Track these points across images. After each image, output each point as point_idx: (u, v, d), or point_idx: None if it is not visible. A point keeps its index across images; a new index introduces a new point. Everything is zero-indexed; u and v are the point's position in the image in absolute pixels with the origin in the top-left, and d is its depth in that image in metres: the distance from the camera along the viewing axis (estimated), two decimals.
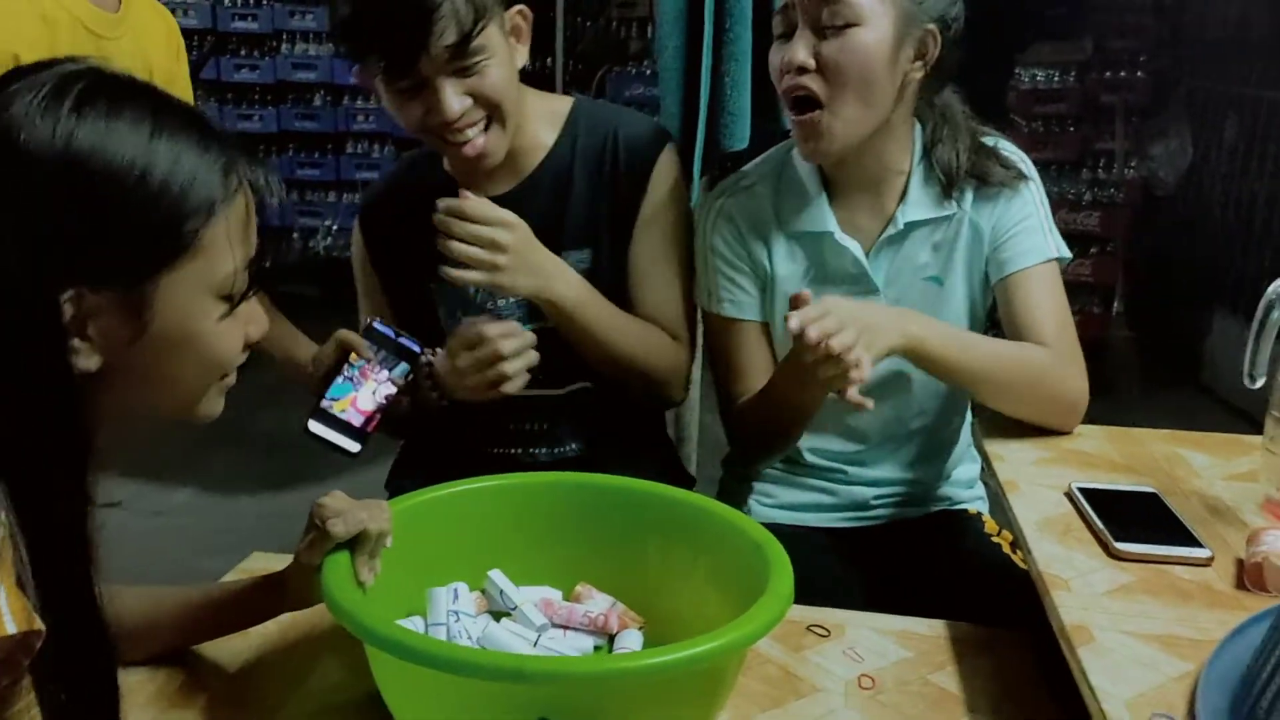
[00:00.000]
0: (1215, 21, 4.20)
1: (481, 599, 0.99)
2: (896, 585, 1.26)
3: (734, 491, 1.41)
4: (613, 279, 1.31)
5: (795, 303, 1.10)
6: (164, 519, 2.79)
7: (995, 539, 1.34)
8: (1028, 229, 1.27)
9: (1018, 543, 1.09)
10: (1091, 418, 1.29)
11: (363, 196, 1.46)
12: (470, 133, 1.20)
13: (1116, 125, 4.37)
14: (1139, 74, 4.35)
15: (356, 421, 1.16)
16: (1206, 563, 0.97)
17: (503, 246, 1.17)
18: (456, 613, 0.94)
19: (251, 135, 4.54)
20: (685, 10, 1.65)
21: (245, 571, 1.09)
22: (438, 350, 1.27)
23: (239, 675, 0.96)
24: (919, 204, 1.27)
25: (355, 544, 0.88)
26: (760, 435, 1.33)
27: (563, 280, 1.24)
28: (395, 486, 1.43)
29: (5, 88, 0.69)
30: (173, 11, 1.55)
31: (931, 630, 1.04)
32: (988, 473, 1.25)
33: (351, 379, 1.18)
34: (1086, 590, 0.93)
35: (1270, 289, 1.02)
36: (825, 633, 1.03)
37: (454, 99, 1.17)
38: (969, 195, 1.28)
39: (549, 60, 4.32)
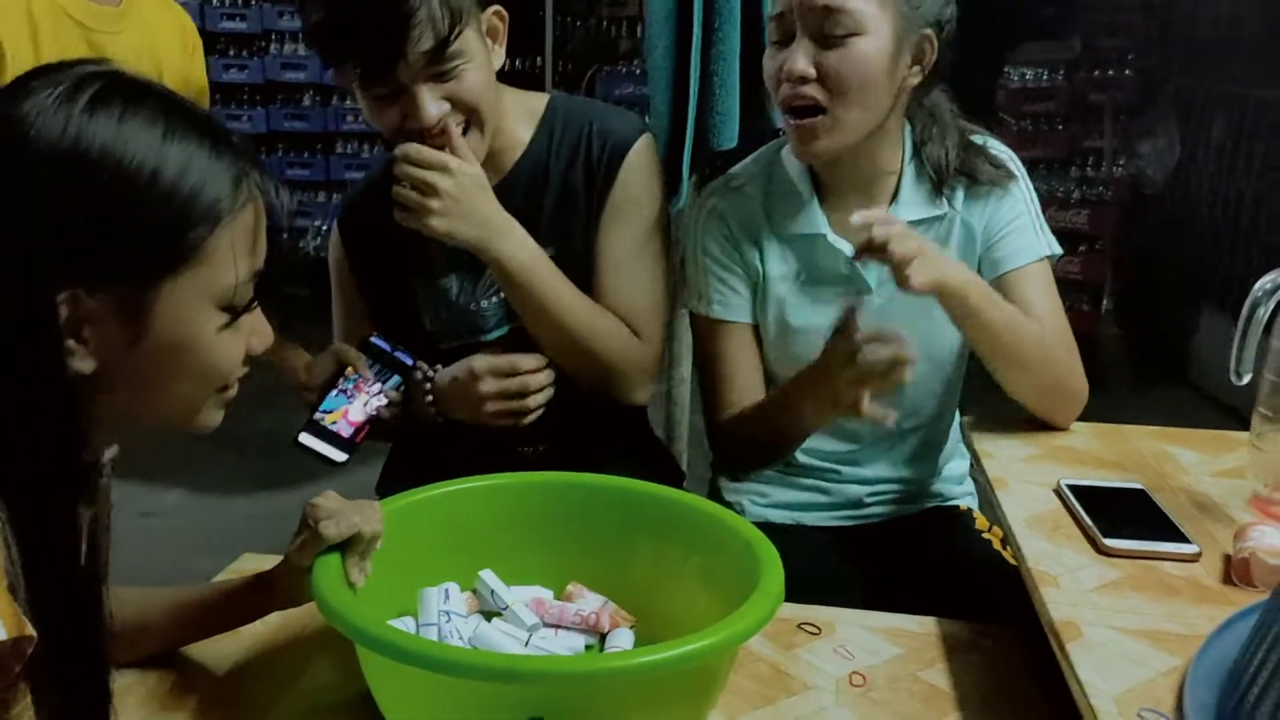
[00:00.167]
0: (1203, 20, 4.22)
1: (473, 599, 0.99)
2: (890, 583, 1.27)
3: (726, 490, 1.41)
4: (583, 274, 1.29)
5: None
6: (156, 520, 2.78)
7: (986, 535, 1.35)
8: (1019, 228, 1.27)
9: (1008, 539, 1.09)
10: (1081, 415, 1.30)
11: (342, 199, 1.45)
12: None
13: (1105, 124, 4.39)
14: (1127, 72, 4.37)
15: (346, 433, 1.18)
16: (1194, 558, 0.97)
17: (437, 190, 1.16)
18: (448, 613, 0.94)
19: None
20: (674, 10, 1.66)
21: (236, 572, 1.08)
22: (436, 367, 1.28)
23: (230, 676, 0.96)
24: (911, 204, 1.27)
25: (346, 545, 0.88)
26: (751, 448, 1.33)
27: (511, 239, 1.21)
28: (387, 488, 1.43)
29: (25, 85, 0.68)
30: None
31: (922, 627, 1.04)
32: (977, 469, 1.25)
33: (345, 391, 1.20)
34: (1075, 586, 0.93)
35: (1256, 286, 1.02)
36: (816, 630, 1.04)
37: (432, 105, 1.16)
38: (960, 194, 1.28)
39: (539, 60, 4.33)
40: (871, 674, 0.97)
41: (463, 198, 1.17)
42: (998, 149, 1.30)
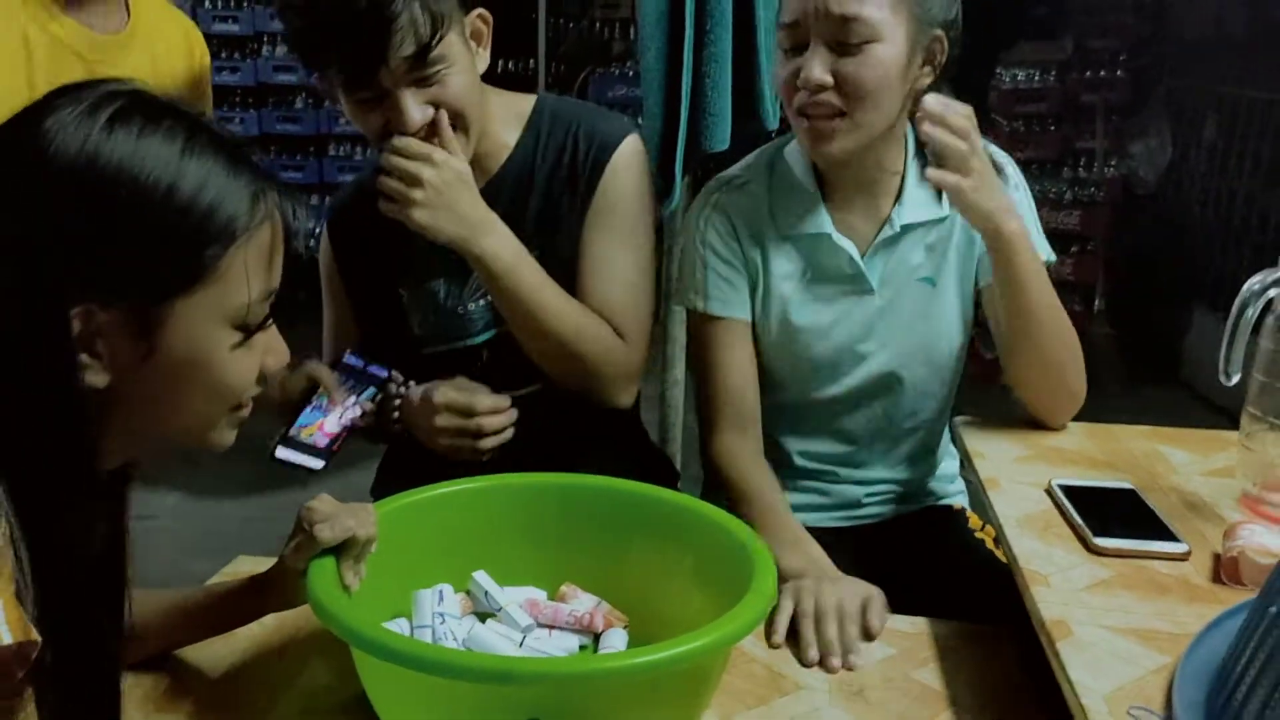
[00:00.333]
0: (1194, 21, 4.24)
1: (467, 600, 1.00)
2: (885, 583, 1.27)
3: (720, 490, 1.42)
4: (568, 275, 1.29)
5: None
6: (151, 523, 2.78)
7: (979, 534, 1.35)
8: None
9: (1000, 539, 1.10)
10: None
11: (330, 202, 1.45)
12: (434, 141, 1.19)
13: (1097, 124, 4.41)
14: (1119, 73, 4.38)
15: (322, 443, 1.19)
16: (1184, 557, 0.98)
17: (420, 181, 1.15)
18: (442, 614, 0.94)
19: None
20: (666, 13, 1.66)
21: (231, 575, 1.08)
22: (410, 382, 1.28)
23: (226, 679, 0.96)
24: (914, 205, 1.28)
25: (341, 548, 0.88)
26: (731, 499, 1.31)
27: (494, 236, 1.21)
28: (381, 490, 1.43)
29: (49, 103, 0.69)
30: None
31: (914, 627, 1.04)
32: (969, 469, 1.26)
33: (320, 407, 1.20)
34: (1066, 586, 0.94)
35: (1244, 287, 1.03)
36: None
37: (415, 109, 1.16)
38: None
39: (531, 62, 4.33)
40: (865, 674, 0.97)
41: (446, 190, 1.17)
42: (996, 153, 1.31)
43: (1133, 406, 2.83)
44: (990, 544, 1.32)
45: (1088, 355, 1.26)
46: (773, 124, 1.83)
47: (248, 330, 0.74)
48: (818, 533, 1.36)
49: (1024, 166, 1.18)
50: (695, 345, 1.36)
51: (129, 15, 1.32)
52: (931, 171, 1.14)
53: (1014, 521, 1.06)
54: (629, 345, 1.31)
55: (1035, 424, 1.30)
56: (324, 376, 1.20)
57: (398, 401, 1.28)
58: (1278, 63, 3.70)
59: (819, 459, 1.37)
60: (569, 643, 0.96)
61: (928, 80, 1.22)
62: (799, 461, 1.37)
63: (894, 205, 1.28)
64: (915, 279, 1.30)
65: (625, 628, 0.98)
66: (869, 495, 1.39)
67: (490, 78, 1.28)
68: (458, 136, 1.21)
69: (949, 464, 1.44)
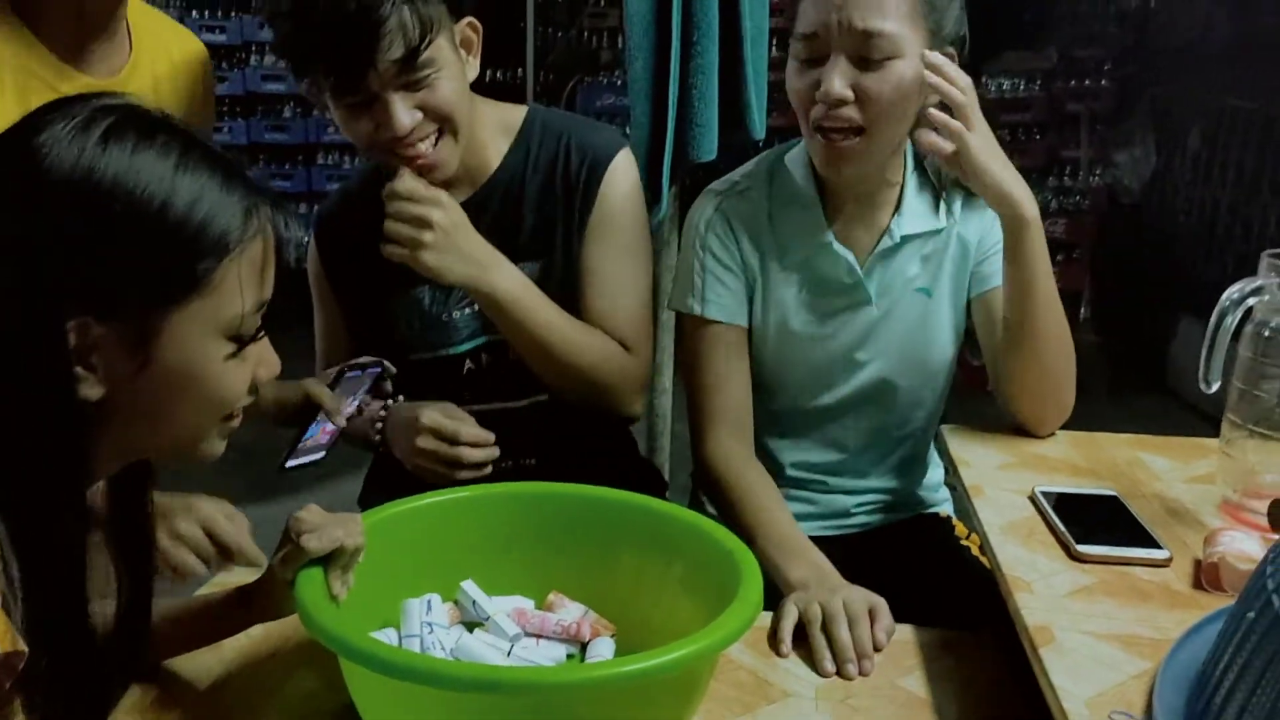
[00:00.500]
0: (1178, 30, 4.28)
1: (455, 610, 1.00)
2: (875, 591, 1.28)
3: (708, 501, 1.42)
4: (565, 289, 1.30)
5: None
6: None
7: (965, 542, 1.36)
8: None
9: (984, 546, 1.11)
10: None
11: (318, 210, 1.45)
12: (421, 146, 1.19)
13: (1082, 133, 4.44)
14: (1103, 82, 4.42)
15: (325, 440, 1.21)
16: (1165, 563, 0.99)
17: (429, 223, 1.16)
18: (430, 624, 0.94)
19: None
20: (653, 24, 1.67)
21: (219, 584, 1.09)
22: (399, 397, 1.29)
23: (213, 689, 0.96)
24: (914, 216, 1.29)
25: (329, 558, 0.88)
26: (720, 511, 1.31)
27: (499, 272, 1.22)
28: (368, 500, 1.43)
29: (41, 117, 0.69)
30: None
31: (900, 635, 1.05)
32: (954, 476, 1.26)
33: (322, 422, 1.21)
34: (1049, 592, 0.95)
35: (1224, 296, 1.04)
36: None
37: (404, 113, 1.16)
38: (958, 205, 1.30)
39: (520, 71, 4.34)
40: (851, 682, 0.97)
41: (453, 232, 1.18)
42: None
43: (1119, 413, 2.84)
44: (976, 551, 1.33)
45: (1075, 362, 1.27)
46: (760, 134, 1.84)
47: (241, 341, 0.75)
48: None
49: (1017, 178, 1.19)
50: (690, 350, 1.34)
51: (131, 47, 1.27)
52: (934, 113, 1.14)
53: (998, 528, 1.07)
54: (636, 356, 1.32)
55: (1020, 431, 1.31)
56: (325, 400, 1.20)
57: (383, 413, 1.28)
58: (1261, 72, 3.74)
59: (809, 468, 1.38)
60: (556, 652, 0.97)
61: (937, 96, 1.22)
62: (789, 471, 1.38)
63: (893, 216, 1.28)
64: (912, 289, 1.30)
65: (613, 636, 0.99)
66: (858, 505, 1.39)
67: (478, 87, 1.28)
68: (446, 140, 1.21)
69: (936, 472, 1.45)
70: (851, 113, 1.16)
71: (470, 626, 0.99)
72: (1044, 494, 1.12)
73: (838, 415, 1.35)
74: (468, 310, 1.33)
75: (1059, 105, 4.44)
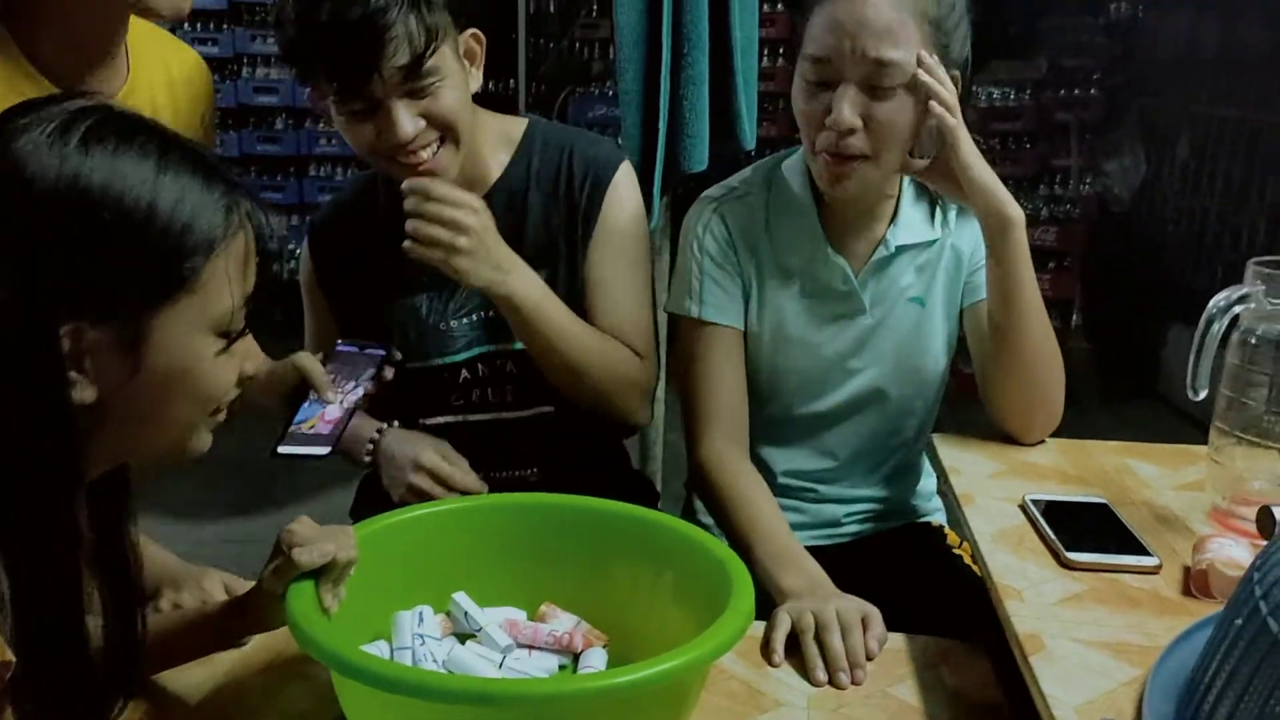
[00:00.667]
0: (1166, 41, 4.30)
1: (447, 621, 1.00)
2: (867, 600, 1.28)
3: (700, 511, 1.42)
4: (570, 300, 1.30)
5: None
6: None
7: (956, 550, 1.37)
8: None
9: (975, 554, 1.11)
10: None
11: (312, 218, 1.46)
12: (423, 154, 1.20)
13: (1071, 142, 4.46)
14: (1093, 92, 4.44)
15: (325, 430, 1.17)
16: (1155, 570, 0.99)
17: (464, 228, 1.16)
18: (422, 636, 0.94)
19: None
20: (644, 36, 1.68)
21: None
22: (394, 423, 1.29)
23: (205, 702, 0.96)
24: (909, 227, 1.29)
25: (320, 571, 0.88)
26: (714, 515, 1.31)
27: (520, 278, 1.22)
28: (360, 512, 1.43)
29: (13, 121, 0.69)
30: None
31: (891, 644, 1.05)
32: (945, 484, 1.27)
33: (317, 400, 1.19)
34: (1039, 600, 0.95)
35: (1210, 304, 1.05)
36: None
37: (407, 121, 1.17)
38: (952, 215, 1.31)
39: (511, 82, 4.34)
40: (843, 691, 0.97)
41: (485, 236, 1.18)
42: None
43: (1110, 420, 2.85)
44: (968, 560, 1.33)
45: (1067, 370, 1.27)
46: (750, 144, 1.85)
47: (229, 336, 0.77)
48: None
49: (1001, 182, 1.20)
50: (686, 353, 1.34)
51: (128, 69, 1.24)
52: (934, 105, 1.15)
53: (989, 537, 1.08)
54: (646, 362, 1.33)
55: (1010, 440, 1.32)
56: (313, 372, 1.19)
57: (376, 435, 1.29)
58: (1248, 82, 3.76)
59: (801, 476, 1.38)
60: (549, 663, 0.97)
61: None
62: (781, 479, 1.38)
63: (889, 226, 1.29)
64: (905, 299, 1.31)
65: (605, 647, 0.99)
66: (848, 515, 1.39)
67: (473, 97, 1.29)
68: (447, 148, 1.22)
69: (928, 481, 1.46)
70: (859, 142, 1.17)
71: (462, 638, 0.99)
72: (1034, 502, 1.12)
73: (830, 423, 1.36)
74: (465, 320, 1.33)
75: (1049, 115, 4.45)
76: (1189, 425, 3.14)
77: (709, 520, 1.38)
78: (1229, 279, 1.09)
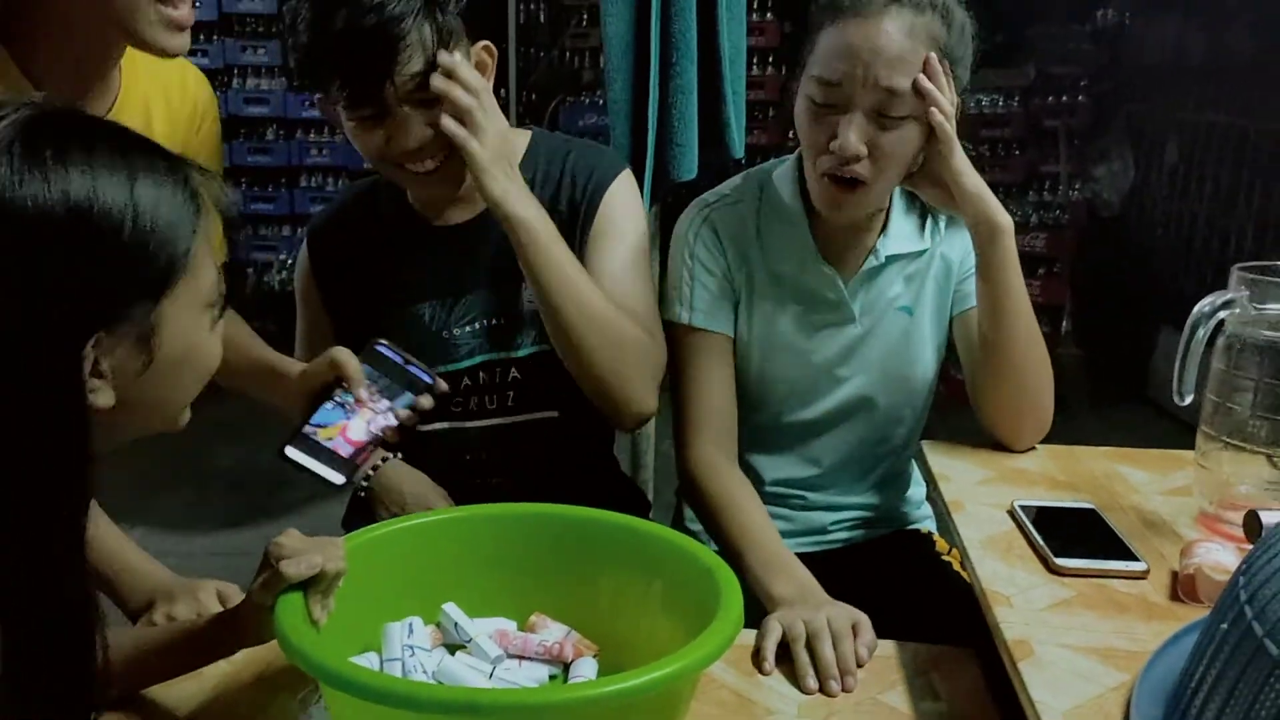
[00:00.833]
0: (1153, 47, 4.33)
1: (436, 632, 1.00)
2: (857, 607, 1.28)
3: (690, 519, 1.42)
4: None
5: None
6: None
7: (946, 557, 1.37)
8: None
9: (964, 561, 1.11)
10: None
11: (310, 223, 1.45)
12: (430, 163, 1.20)
13: (1060, 149, 4.48)
14: (1080, 99, 4.46)
15: (344, 452, 1.03)
16: (1143, 575, 1.00)
17: (486, 108, 1.15)
18: (412, 647, 0.94)
19: None
20: (632, 45, 1.69)
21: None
22: (396, 455, 1.28)
23: (194, 716, 0.96)
24: (899, 237, 1.30)
25: (309, 583, 0.88)
26: (703, 522, 1.31)
27: (525, 203, 1.18)
28: (353, 522, 1.43)
29: None
30: None
31: (881, 651, 1.05)
32: (934, 491, 1.27)
33: (344, 405, 1.06)
34: (1027, 606, 0.95)
35: (1195, 309, 1.05)
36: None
37: (417, 128, 1.17)
38: (942, 225, 1.32)
39: (502, 91, 4.35)
40: (833, 698, 0.98)
41: (496, 136, 1.16)
42: None
43: (1101, 424, 2.86)
44: (957, 566, 1.33)
45: (1057, 375, 1.28)
46: (739, 152, 1.86)
47: (216, 306, 0.80)
48: None
49: (990, 190, 1.21)
50: (675, 358, 1.33)
51: (120, 85, 1.21)
52: (933, 111, 1.15)
53: (977, 543, 1.08)
54: (654, 340, 1.28)
55: (999, 446, 1.32)
56: (351, 370, 1.07)
57: (380, 463, 1.29)
58: (1235, 88, 3.79)
59: (788, 483, 1.38)
60: (539, 673, 0.97)
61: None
62: (769, 486, 1.38)
63: (879, 236, 1.30)
64: (894, 308, 1.32)
65: (595, 656, 0.99)
66: (835, 522, 1.40)
67: None
68: (455, 158, 1.19)
69: (917, 489, 1.46)
70: (863, 169, 1.17)
71: (452, 649, 0.99)
72: (1023, 508, 1.13)
73: (819, 431, 1.36)
74: (468, 328, 1.33)
75: (1037, 121, 4.47)
76: (1179, 430, 3.15)
77: (698, 528, 1.38)
78: (1217, 284, 1.09)
